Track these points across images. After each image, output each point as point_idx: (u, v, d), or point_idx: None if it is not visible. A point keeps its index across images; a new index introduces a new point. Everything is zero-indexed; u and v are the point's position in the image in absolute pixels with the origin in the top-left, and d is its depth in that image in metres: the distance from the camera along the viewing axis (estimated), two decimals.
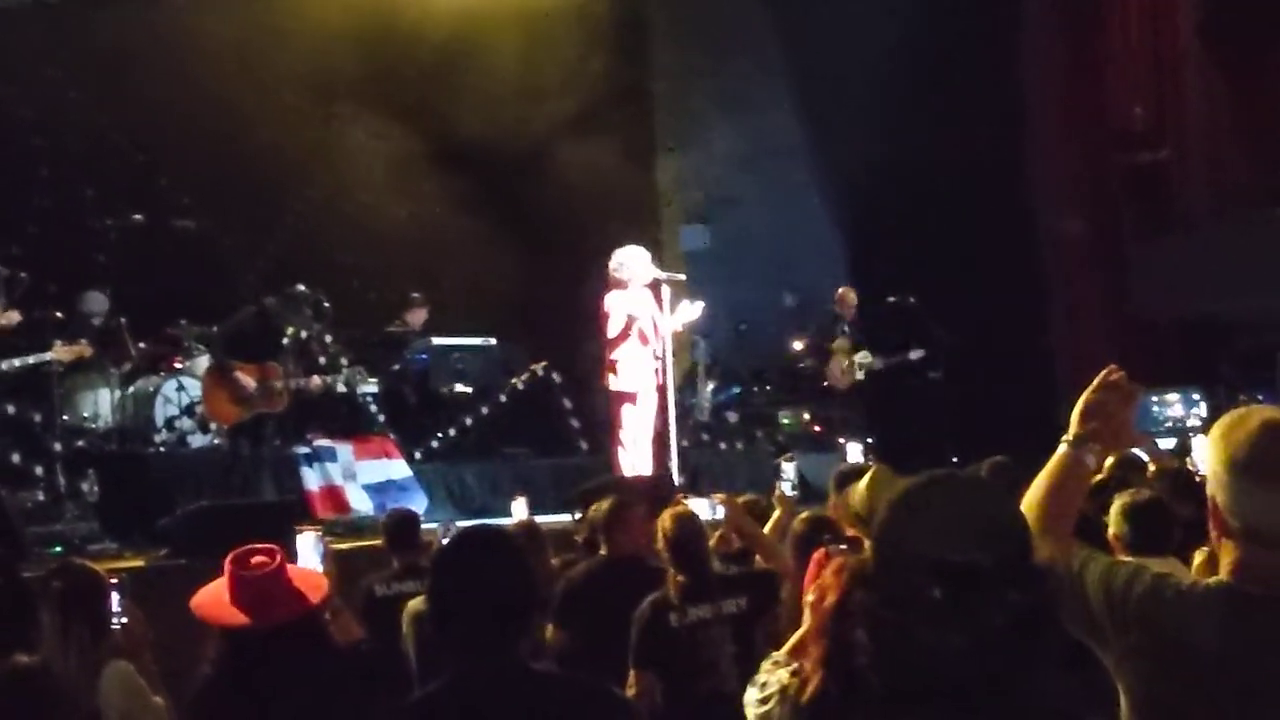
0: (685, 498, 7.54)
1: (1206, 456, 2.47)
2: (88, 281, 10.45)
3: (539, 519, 7.79)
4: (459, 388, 11.97)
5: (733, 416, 13.93)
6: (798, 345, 13.66)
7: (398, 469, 10.44)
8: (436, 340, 12.10)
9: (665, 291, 10.18)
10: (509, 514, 8.06)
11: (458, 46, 12.64)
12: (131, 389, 10.44)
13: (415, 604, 5.63)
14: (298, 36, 11.81)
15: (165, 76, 11.22)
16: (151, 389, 10.47)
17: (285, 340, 10.44)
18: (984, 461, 6.09)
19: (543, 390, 12.35)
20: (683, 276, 10.73)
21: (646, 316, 10.16)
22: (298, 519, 7.57)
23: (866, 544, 3.39)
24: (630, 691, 5.06)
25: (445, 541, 4.63)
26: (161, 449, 10.25)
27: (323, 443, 10.26)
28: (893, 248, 13.91)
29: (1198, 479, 5.52)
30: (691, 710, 5.27)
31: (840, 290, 13.38)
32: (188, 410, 10.37)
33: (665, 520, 5.42)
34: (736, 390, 14.35)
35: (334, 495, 9.99)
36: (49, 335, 9.42)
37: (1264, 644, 2.35)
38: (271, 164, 11.65)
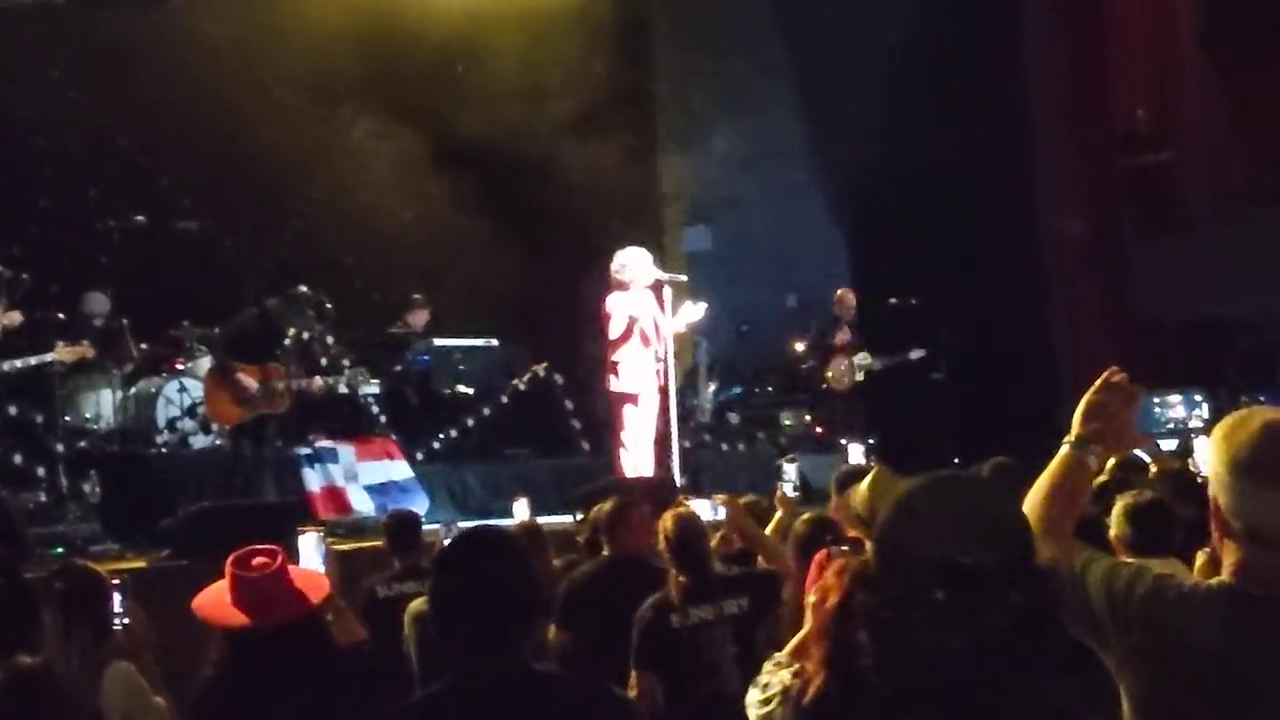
0: (686, 499, 7.53)
1: (1208, 458, 2.47)
2: (90, 282, 10.45)
3: (540, 520, 7.79)
4: (461, 389, 11.98)
5: (734, 417, 13.94)
6: (799, 346, 13.66)
7: (399, 470, 10.44)
8: (438, 341, 12.11)
9: (667, 292, 10.18)
10: (510, 515, 8.05)
11: (459, 47, 12.66)
12: (133, 390, 10.44)
13: (417, 605, 5.63)
14: (299, 37, 11.81)
15: (167, 77, 11.23)
16: (153, 390, 10.47)
17: (287, 341, 10.45)
18: (986, 462, 6.09)
19: (544, 391, 12.35)
20: (684, 278, 10.73)
21: (648, 317, 10.16)
22: (300, 520, 7.56)
23: (868, 545, 3.39)
24: (631, 692, 5.06)
25: (447, 542, 4.63)
26: (163, 450, 10.25)
27: (324, 444, 10.27)
28: (895, 248, 13.91)
29: (1199, 480, 5.52)
30: (693, 711, 5.27)
31: (839, 291, 13.38)
32: (189, 411, 10.37)
33: (667, 521, 5.42)
34: (738, 390, 14.35)
35: (335, 496, 10.00)
36: (51, 336, 9.42)
37: (1266, 645, 2.35)
38: (273, 165, 11.65)
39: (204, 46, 11.64)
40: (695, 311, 10.46)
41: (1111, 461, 5.54)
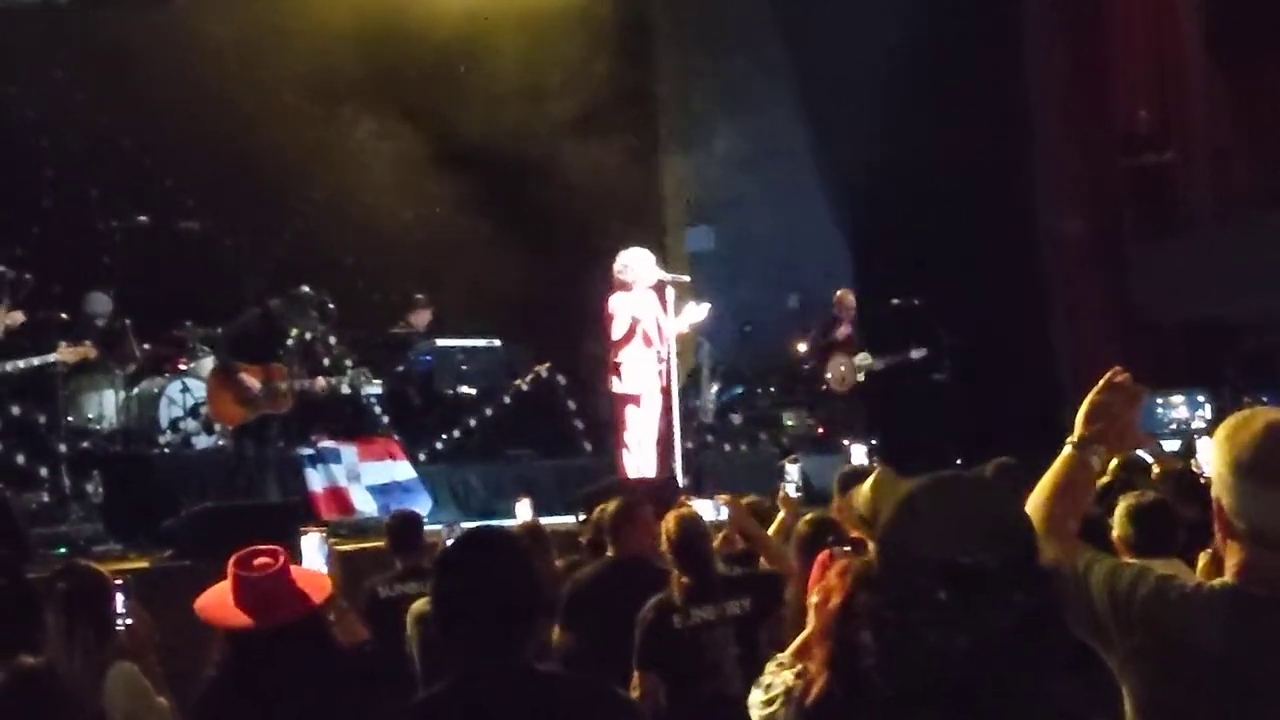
0: (689, 499, 7.53)
1: (1211, 458, 2.47)
2: (92, 283, 10.45)
3: (543, 521, 7.80)
4: (463, 389, 11.98)
5: (737, 418, 13.94)
6: (802, 347, 13.66)
7: (402, 470, 10.45)
8: (440, 342, 12.11)
9: (669, 293, 10.18)
10: (513, 515, 8.06)
11: (461, 48, 12.66)
12: (136, 390, 10.44)
13: (419, 605, 5.63)
14: (301, 38, 11.82)
15: (169, 78, 11.23)
16: (156, 390, 10.48)
17: (290, 341, 10.45)
18: (988, 463, 6.09)
19: (547, 392, 12.35)
20: (687, 278, 10.73)
21: (651, 318, 10.16)
22: (302, 520, 7.56)
23: (870, 546, 3.39)
24: (634, 693, 5.06)
25: (449, 543, 4.63)
26: (166, 450, 10.26)
27: (327, 444, 10.28)
28: (896, 249, 13.91)
29: (1202, 481, 5.51)
30: (695, 712, 5.26)
31: (839, 292, 13.38)
32: (192, 411, 10.38)
33: (669, 522, 5.41)
34: (740, 391, 14.35)
35: (338, 497, 10.01)
36: (54, 337, 9.42)
37: (1268, 645, 2.34)
38: (275, 165, 11.65)
39: (206, 47, 11.65)
40: (698, 312, 10.46)
41: (1114, 462, 5.54)
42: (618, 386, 10.21)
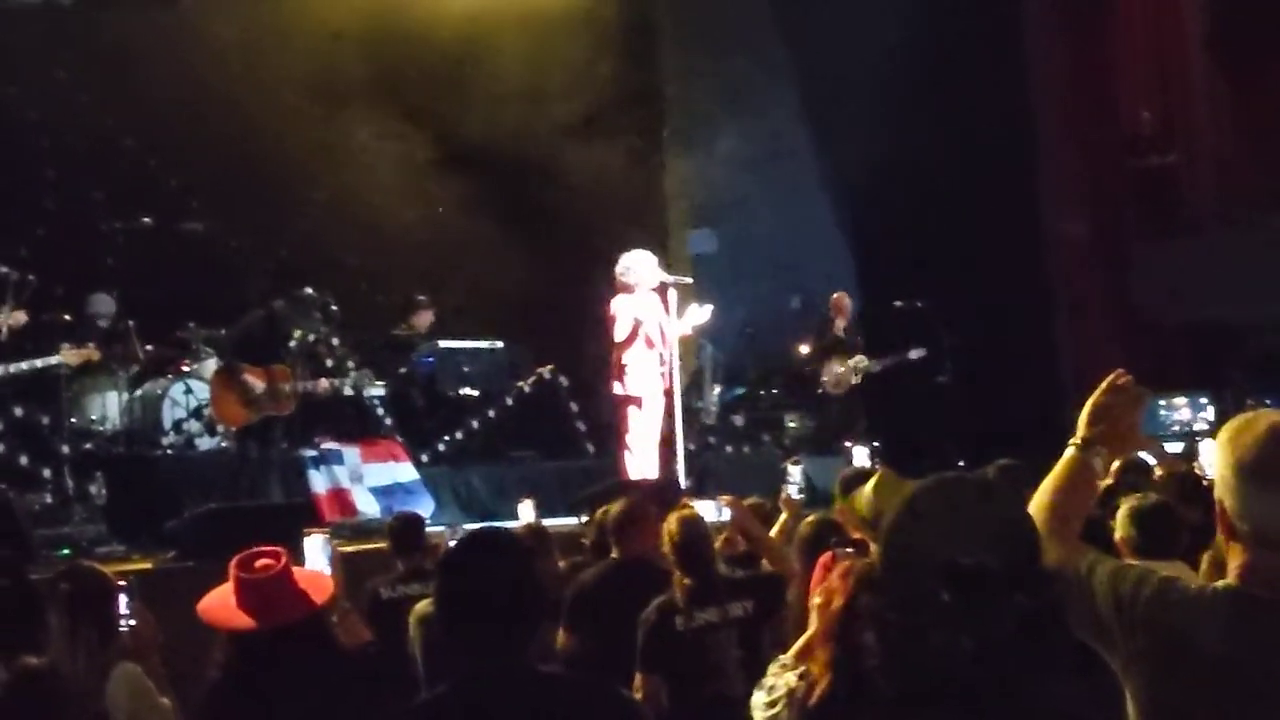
0: (691, 501, 7.53)
1: (1214, 460, 2.47)
2: (95, 284, 10.45)
3: (546, 522, 7.80)
4: (466, 391, 11.98)
5: (739, 420, 13.94)
6: (804, 348, 13.66)
7: (404, 472, 10.44)
8: (443, 343, 12.11)
9: (672, 295, 10.19)
10: (515, 517, 8.07)
11: (465, 50, 12.66)
12: (139, 392, 10.44)
13: (422, 606, 5.63)
14: (304, 39, 11.83)
15: (172, 79, 11.23)
16: (159, 392, 10.48)
17: (293, 343, 10.46)
18: (991, 465, 6.09)
19: (549, 393, 12.35)
20: (689, 280, 10.73)
21: (653, 320, 10.17)
22: (306, 522, 7.56)
23: (872, 547, 3.40)
24: (636, 695, 5.06)
25: (452, 544, 4.63)
26: (169, 451, 10.26)
27: (330, 445, 10.27)
28: (899, 250, 13.91)
29: (1205, 483, 5.51)
30: (697, 713, 5.26)
31: (835, 295, 13.38)
32: (195, 413, 10.38)
33: (671, 523, 5.41)
34: (741, 391, 14.35)
35: (341, 498, 10.00)
36: (57, 338, 9.42)
37: (1270, 647, 2.34)
38: (279, 167, 11.65)
39: (209, 48, 11.65)
40: (700, 314, 10.47)
41: (1116, 464, 5.54)
42: (620, 388, 10.21)
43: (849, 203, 14.95)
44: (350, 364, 11.12)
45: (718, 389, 13.74)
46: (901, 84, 13.28)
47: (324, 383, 10.33)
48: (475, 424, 11.88)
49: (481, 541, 3.12)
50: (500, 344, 12.43)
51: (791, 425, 13.81)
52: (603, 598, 5.72)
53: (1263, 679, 2.34)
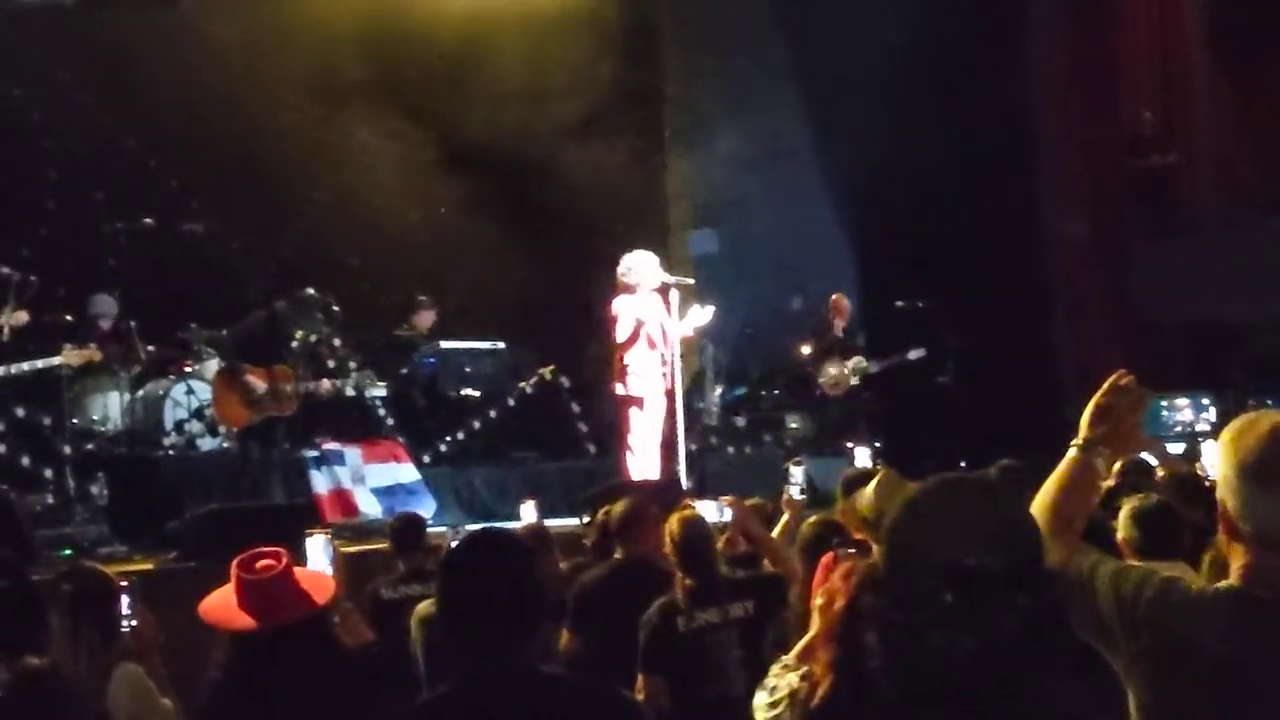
0: (693, 501, 7.53)
1: (1216, 461, 2.47)
2: (97, 285, 10.45)
3: (548, 523, 7.80)
4: (467, 391, 11.98)
5: (741, 420, 13.93)
6: (805, 349, 13.66)
7: (406, 473, 10.44)
8: (445, 344, 12.11)
9: (674, 296, 10.19)
10: (517, 518, 8.07)
11: (466, 50, 12.65)
12: (141, 392, 10.44)
13: (424, 607, 5.63)
14: (306, 39, 11.82)
15: (174, 79, 11.23)
16: (161, 392, 10.48)
17: (295, 344, 10.48)
18: (992, 465, 6.09)
19: (551, 394, 12.35)
20: (691, 281, 10.73)
21: (655, 321, 10.18)
22: (308, 522, 7.56)
23: (874, 548, 3.40)
24: (638, 696, 5.06)
25: (454, 545, 4.64)
26: (171, 452, 10.25)
27: (331, 446, 10.27)
28: (901, 250, 13.90)
29: (1207, 484, 5.51)
30: (699, 714, 5.26)
31: (834, 296, 13.38)
32: (197, 413, 10.37)
33: (673, 524, 5.41)
34: (742, 391, 14.35)
35: (342, 499, 10.00)
36: (58, 339, 9.43)
37: (1272, 648, 2.34)
38: (280, 167, 11.66)
39: (211, 48, 11.65)
40: (703, 315, 10.47)
41: (1118, 465, 5.54)
42: (622, 389, 10.22)
43: (850, 203, 14.95)
44: (352, 364, 11.13)
45: (719, 389, 13.73)
46: (902, 84, 13.28)
47: (326, 383, 10.33)
48: (477, 424, 11.88)
49: (483, 542, 3.12)
50: (502, 345, 12.42)
51: (793, 426, 13.80)
52: (606, 599, 5.72)
53: (1264, 679, 2.34)
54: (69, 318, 9.95)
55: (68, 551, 8.34)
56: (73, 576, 4.28)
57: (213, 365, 10.48)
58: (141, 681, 4.06)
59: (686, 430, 10.54)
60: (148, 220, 10.19)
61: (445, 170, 12.57)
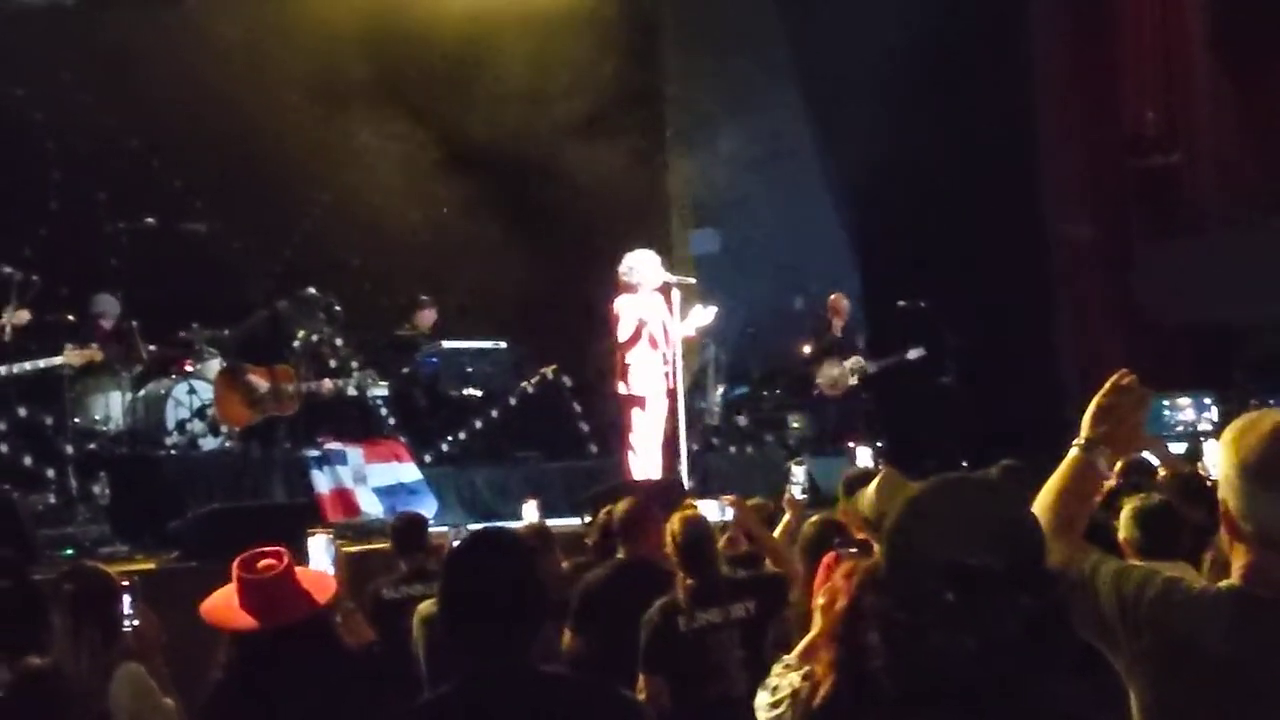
0: (694, 501, 7.53)
1: (1218, 460, 2.47)
2: (99, 284, 10.45)
3: (549, 522, 7.80)
4: (469, 391, 11.98)
5: (742, 420, 13.93)
6: (807, 349, 13.66)
7: (408, 472, 10.45)
8: (446, 343, 12.11)
9: (675, 295, 10.19)
10: (519, 517, 8.07)
11: (467, 50, 12.66)
12: (143, 392, 10.44)
13: (426, 607, 5.63)
14: (308, 39, 11.83)
15: (176, 79, 11.23)
16: (163, 392, 10.48)
17: (296, 343, 10.47)
18: (994, 465, 6.09)
19: (552, 393, 12.35)
20: (693, 281, 10.74)
21: (657, 320, 10.18)
22: (309, 522, 7.57)
23: (876, 547, 3.39)
24: (640, 696, 5.06)
25: (456, 544, 4.64)
26: (173, 452, 10.26)
27: (333, 446, 10.27)
28: (902, 250, 13.90)
29: (1209, 483, 5.51)
30: (700, 714, 5.26)
31: (833, 296, 13.38)
32: (199, 413, 10.38)
33: (674, 524, 5.41)
34: (744, 391, 14.35)
35: (344, 498, 10.00)
36: (60, 338, 9.43)
37: (1274, 648, 2.34)
38: (282, 167, 11.66)
39: (213, 48, 11.65)
40: (705, 316, 10.47)
41: (1119, 465, 5.53)
42: (624, 388, 10.22)
43: (851, 202, 14.95)
44: (354, 364, 11.13)
45: (721, 389, 13.73)
46: (903, 84, 13.27)
47: (327, 383, 10.33)
48: (478, 424, 11.88)
49: (485, 542, 3.12)
50: (503, 344, 12.42)
51: (795, 425, 13.80)
52: (609, 599, 5.71)
53: (1266, 679, 2.34)
54: (71, 317, 9.95)
55: (69, 551, 8.35)
56: (74, 576, 4.28)
57: (214, 365, 10.48)
58: (143, 681, 4.06)
59: (688, 430, 10.54)
60: (150, 220, 10.20)
61: (447, 170, 12.58)
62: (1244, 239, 14.51)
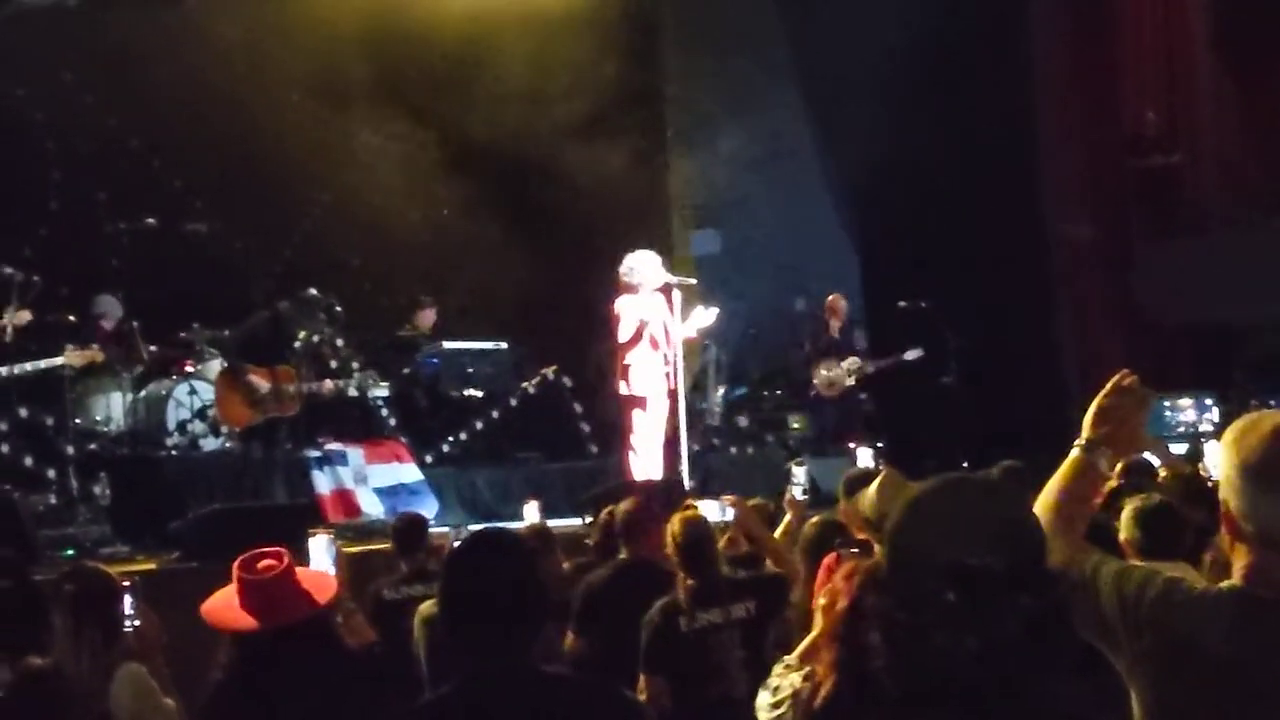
0: (695, 501, 7.53)
1: (1219, 461, 2.47)
2: (100, 285, 10.45)
3: (550, 523, 7.80)
4: (469, 391, 11.98)
5: (743, 420, 13.93)
6: (808, 349, 13.65)
7: (408, 473, 10.45)
8: (447, 344, 12.11)
9: (676, 296, 10.19)
10: (520, 518, 8.07)
11: (468, 50, 12.66)
12: (143, 392, 10.44)
13: (427, 607, 5.63)
14: (308, 39, 11.83)
15: (177, 79, 11.24)
16: (163, 392, 10.48)
17: (297, 344, 10.47)
18: (995, 466, 6.09)
19: (553, 394, 12.34)
20: (693, 281, 10.74)
21: (658, 321, 10.18)
22: (310, 522, 7.57)
23: (877, 548, 3.40)
24: (640, 696, 5.06)
25: (457, 545, 4.64)
26: (173, 452, 10.26)
27: (334, 446, 10.27)
28: (902, 251, 13.90)
29: (1210, 484, 5.51)
30: (701, 714, 5.26)
31: (830, 297, 13.38)
32: (200, 413, 10.38)
33: (675, 524, 5.41)
34: (744, 391, 14.35)
35: (345, 499, 10.01)
36: (61, 339, 9.43)
37: (1275, 648, 2.34)
38: (283, 167, 11.67)
39: (214, 49, 11.66)
40: (707, 317, 10.47)
41: (1120, 465, 5.53)
42: (624, 389, 10.22)
43: (851, 203, 14.95)
44: (354, 365, 11.13)
45: (721, 389, 13.74)
46: (903, 84, 13.27)
47: (328, 383, 10.33)
48: (479, 425, 11.88)
49: (486, 542, 3.12)
50: (504, 345, 12.43)
51: (795, 426, 13.80)
52: (611, 599, 5.72)
53: (1267, 680, 2.34)
54: (72, 318, 9.94)
55: (70, 551, 8.35)
56: (75, 576, 4.28)
57: (215, 365, 10.49)
58: (144, 681, 4.06)
59: (689, 430, 10.54)
60: (150, 220, 10.20)
61: (447, 170, 12.58)
62: (1245, 239, 14.51)
